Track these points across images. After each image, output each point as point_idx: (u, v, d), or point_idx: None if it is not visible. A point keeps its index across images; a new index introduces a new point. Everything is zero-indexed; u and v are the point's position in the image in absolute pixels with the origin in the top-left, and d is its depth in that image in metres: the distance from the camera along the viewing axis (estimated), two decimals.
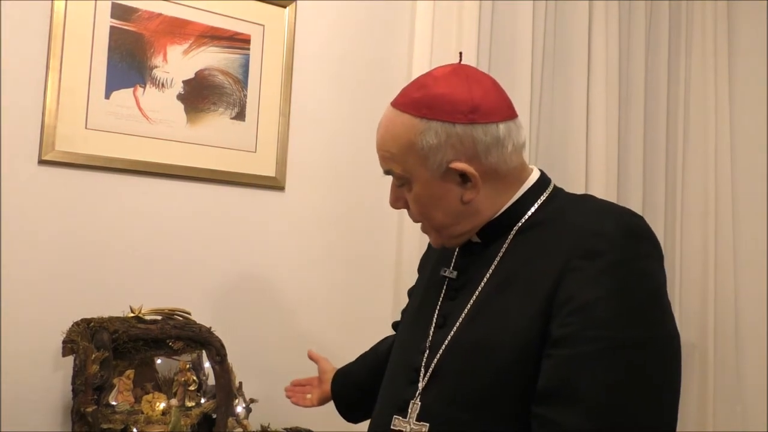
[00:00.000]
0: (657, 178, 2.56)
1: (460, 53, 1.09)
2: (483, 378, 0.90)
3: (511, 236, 0.98)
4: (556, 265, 0.88)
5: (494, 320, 0.92)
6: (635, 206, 2.39)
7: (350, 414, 1.42)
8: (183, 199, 1.83)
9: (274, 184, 1.94)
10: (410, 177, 0.97)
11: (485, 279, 0.96)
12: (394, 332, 1.37)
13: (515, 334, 0.88)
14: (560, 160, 2.35)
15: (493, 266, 0.97)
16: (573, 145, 2.35)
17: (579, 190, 2.22)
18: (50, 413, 1.63)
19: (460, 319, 0.96)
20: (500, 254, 0.97)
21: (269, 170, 1.94)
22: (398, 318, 1.39)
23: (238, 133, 1.90)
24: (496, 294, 0.94)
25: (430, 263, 1.15)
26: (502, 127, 0.95)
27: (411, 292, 1.29)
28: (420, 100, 0.95)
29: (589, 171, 2.36)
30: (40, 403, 1.62)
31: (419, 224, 1.06)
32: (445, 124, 0.94)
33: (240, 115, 1.90)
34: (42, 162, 1.65)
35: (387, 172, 1.01)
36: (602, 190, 2.32)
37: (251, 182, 1.91)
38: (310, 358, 1.53)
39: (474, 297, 0.96)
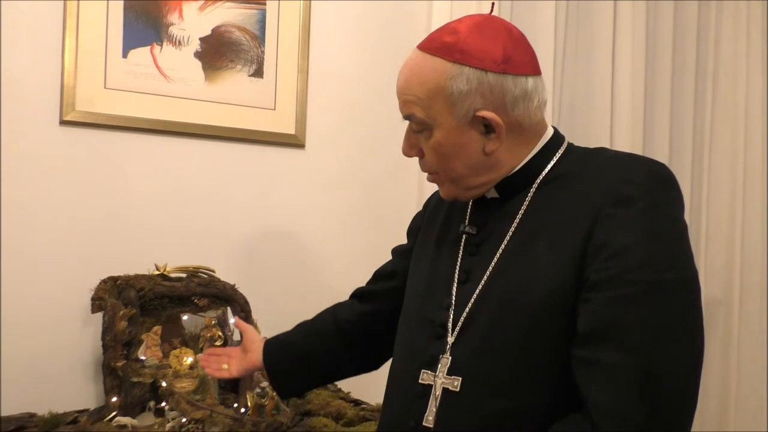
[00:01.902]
0: (684, 133, 2.53)
1: (492, 3, 1.08)
2: (516, 329, 0.92)
3: (532, 190, 0.98)
4: (587, 213, 0.90)
5: (524, 272, 0.93)
6: (662, 160, 2.37)
7: (284, 386, 1.34)
8: (203, 158, 1.86)
9: (294, 141, 1.96)
10: (432, 123, 0.96)
11: (510, 233, 0.97)
12: (354, 299, 1.33)
13: (548, 284, 0.90)
14: (584, 117, 2.33)
15: (517, 220, 0.97)
16: (597, 101, 2.32)
17: (604, 146, 2.20)
18: (82, 368, 1.69)
19: (487, 273, 0.97)
20: (523, 208, 0.98)
21: (289, 128, 1.95)
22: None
23: (257, 91, 1.91)
24: (524, 246, 0.95)
25: (437, 222, 1.14)
26: (530, 80, 0.96)
27: (400, 251, 1.28)
28: (453, 44, 0.94)
29: (614, 127, 2.33)
30: (73, 358, 1.69)
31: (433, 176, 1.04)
32: (477, 71, 0.93)
33: (258, 72, 1.91)
34: (63, 123, 1.68)
35: (407, 117, 0.99)
36: (627, 146, 2.30)
37: (271, 140, 1.93)
38: (237, 327, 1.44)
39: (499, 251, 0.97)
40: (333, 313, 1.34)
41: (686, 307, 0.86)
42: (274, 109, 1.93)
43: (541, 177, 0.99)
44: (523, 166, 0.99)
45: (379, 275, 1.32)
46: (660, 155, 2.43)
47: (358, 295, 1.34)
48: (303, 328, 1.36)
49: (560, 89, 2.29)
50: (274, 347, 1.34)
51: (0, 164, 1.62)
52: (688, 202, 2.15)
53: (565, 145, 1.02)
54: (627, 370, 0.83)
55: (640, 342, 0.83)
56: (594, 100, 2.32)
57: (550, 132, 1.02)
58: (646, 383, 0.82)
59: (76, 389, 1.68)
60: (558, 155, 1.00)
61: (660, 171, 0.92)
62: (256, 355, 1.33)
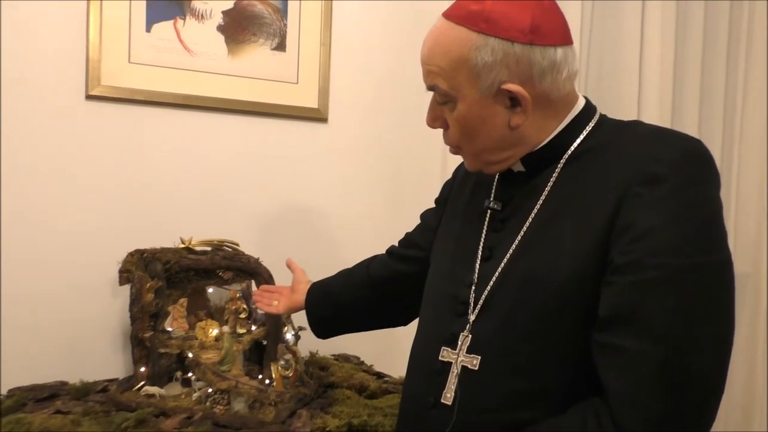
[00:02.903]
0: (715, 104, 2.46)
1: None
2: (537, 309, 0.90)
3: (560, 165, 0.95)
4: (614, 192, 0.86)
5: (547, 251, 0.91)
6: (690, 133, 2.32)
7: (320, 328, 1.45)
8: (227, 133, 1.86)
9: (316, 115, 1.95)
10: (456, 95, 0.94)
11: (535, 210, 0.95)
12: (388, 256, 1.38)
13: (571, 264, 0.87)
14: (611, 89, 2.28)
15: (543, 196, 0.95)
16: (625, 72, 2.26)
17: (631, 118, 2.16)
18: (111, 338, 1.73)
19: (510, 251, 0.95)
20: (550, 184, 0.95)
21: (311, 101, 1.94)
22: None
23: (279, 64, 1.90)
24: (549, 224, 0.93)
25: (464, 193, 1.13)
26: (559, 51, 0.92)
27: (428, 225, 1.29)
28: (478, 13, 0.90)
29: (641, 98, 2.28)
30: (102, 329, 1.73)
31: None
32: (503, 42, 0.89)
33: (281, 46, 1.90)
34: (89, 97, 1.69)
35: (431, 88, 0.97)
36: (656, 117, 2.25)
37: (294, 114, 1.92)
38: (288, 266, 1.56)
39: (524, 228, 0.95)
40: (368, 267, 1.40)
41: (715, 293, 0.82)
42: (297, 83, 1.92)
43: (569, 151, 0.96)
44: (551, 140, 0.96)
45: (411, 242, 1.34)
46: (689, 127, 2.37)
47: (391, 253, 1.38)
48: (342, 276, 1.45)
49: (587, 59, 2.24)
50: (315, 292, 1.46)
51: (14, 141, 1.64)
52: None
53: (596, 117, 0.99)
54: (647, 358, 0.80)
55: (663, 329, 0.80)
56: (621, 69, 2.27)
57: (581, 103, 0.98)
58: (666, 372, 0.79)
59: (106, 359, 1.72)
60: (588, 128, 0.97)
61: (693, 148, 0.87)
62: (300, 296, 1.47)
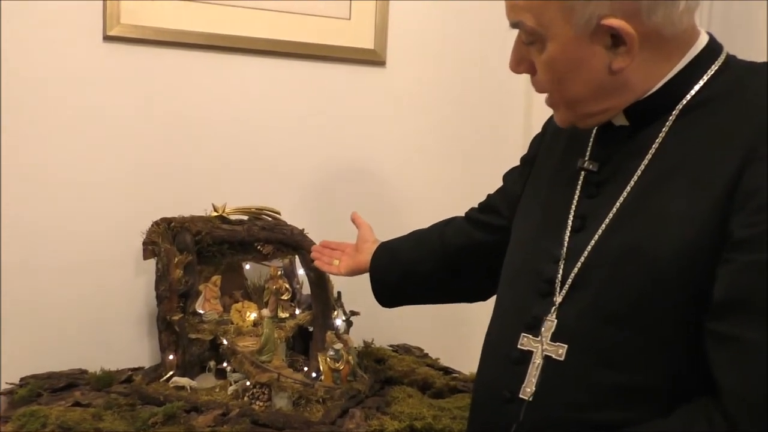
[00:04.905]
0: None
1: None
2: (638, 289, 0.89)
3: (672, 118, 0.94)
4: (736, 152, 0.84)
5: (652, 221, 0.90)
6: None
7: (384, 296, 1.48)
8: (266, 79, 1.87)
9: (372, 58, 1.95)
10: (545, 33, 0.92)
11: (639, 171, 0.94)
12: (465, 221, 1.39)
13: (680, 236, 0.86)
14: (740, 22, 2.17)
15: (649, 155, 0.94)
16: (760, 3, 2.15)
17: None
18: (135, 320, 1.78)
19: (606, 220, 0.95)
20: (658, 140, 0.94)
21: (367, 42, 1.93)
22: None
23: None
24: (654, 189, 0.92)
25: (555, 151, 1.13)
26: None
27: (510, 178, 1.30)
28: None
29: None
30: (125, 310, 1.78)
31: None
32: None
33: None
34: (107, 38, 1.71)
35: (514, 25, 0.95)
36: None
37: (346, 56, 1.92)
38: (353, 221, 1.61)
39: (624, 194, 0.95)
40: (442, 231, 1.42)
41: None
42: (350, 19, 1.91)
43: (685, 101, 0.93)
44: (662, 87, 0.94)
45: (490, 207, 1.36)
46: None
47: (468, 218, 1.40)
48: (413, 239, 1.48)
49: None
50: (382, 254, 1.49)
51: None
52: None
53: (722, 58, 0.95)
54: None
55: None
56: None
57: (703, 41, 0.95)
58: None
59: (130, 345, 1.78)
60: (710, 72, 0.94)
61: None
62: (365, 257, 1.51)
